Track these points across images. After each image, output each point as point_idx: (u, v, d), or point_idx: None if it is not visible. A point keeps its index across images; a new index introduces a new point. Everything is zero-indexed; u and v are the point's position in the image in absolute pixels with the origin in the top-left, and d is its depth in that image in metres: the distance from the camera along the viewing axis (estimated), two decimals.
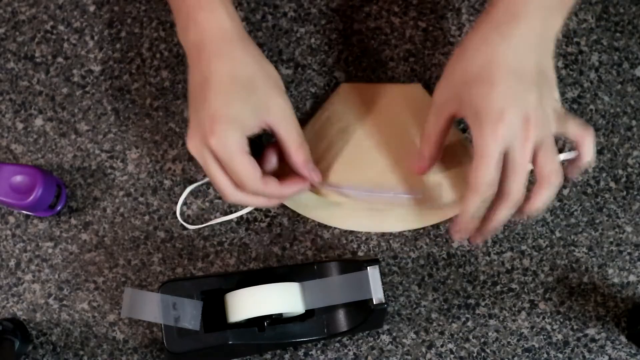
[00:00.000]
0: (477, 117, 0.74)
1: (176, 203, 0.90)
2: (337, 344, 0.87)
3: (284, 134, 0.80)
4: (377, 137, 0.87)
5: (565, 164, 0.80)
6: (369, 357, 0.87)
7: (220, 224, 0.90)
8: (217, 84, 0.78)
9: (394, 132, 0.88)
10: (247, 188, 0.79)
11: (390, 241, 0.90)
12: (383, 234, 0.89)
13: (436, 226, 0.90)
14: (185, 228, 0.90)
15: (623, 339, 0.87)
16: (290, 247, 0.90)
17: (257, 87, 0.79)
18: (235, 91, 0.78)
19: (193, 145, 0.79)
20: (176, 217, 0.90)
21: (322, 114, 0.91)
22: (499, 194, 0.76)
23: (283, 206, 0.90)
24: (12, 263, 0.90)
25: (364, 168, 0.86)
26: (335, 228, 0.90)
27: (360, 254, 0.89)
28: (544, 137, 0.75)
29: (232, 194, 0.80)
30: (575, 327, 0.87)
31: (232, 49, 0.79)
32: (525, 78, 0.75)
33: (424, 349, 0.87)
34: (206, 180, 0.90)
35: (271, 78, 0.80)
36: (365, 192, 0.85)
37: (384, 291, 0.81)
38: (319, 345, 0.87)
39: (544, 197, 0.77)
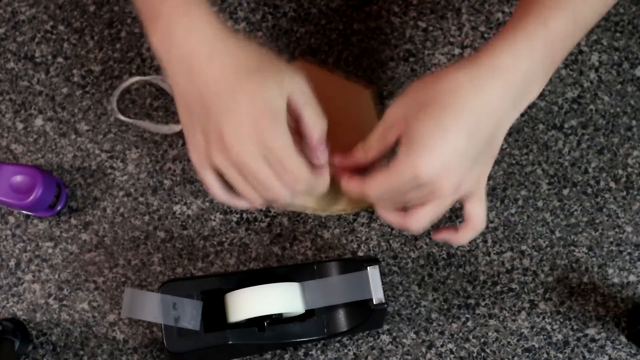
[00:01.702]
0: (411, 143, 0.70)
1: (176, 203, 0.90)
2: (337, 344, 0.87)
3: (305, 109, 0.74)
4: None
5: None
6: (369, 357, 0.87)
7: (221, 224, 0.90)
8: (226, 88, 0.71)
9: (331, 124, 0.83)
10: (302, 183, 0.74)
11: (390, 241, 0.90)
12: (383, 234, 0.89)
13: (436, 226, 0.90)
14: (185, 228, 0.90)
15: (623, 339, 0.87)
16: (290, 247, 0.90)
17: (266, 71, 0.73)
18: (253, 84, 0.71)
19: (244, 150, 0.71)
20: (176, 217, 0.90)
21: None
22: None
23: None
24: (12, 263, 0.90)
25: None
26: (335, 228, 0.90)
27: (360, 254, 0.89)
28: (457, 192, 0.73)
29: (284, 195, 0.74)
30: (575, 327, 0.87)
31: (227, 46, 0.73)
32: (474, 145, 0.71)
33: (424, 349, 0.87)
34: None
35: (272, 57, 0.75)
36: None
37: (384, 291, 0.81)
38: (319, 345, 0.87)
39: (461, 237, 0.77)
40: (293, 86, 0.73)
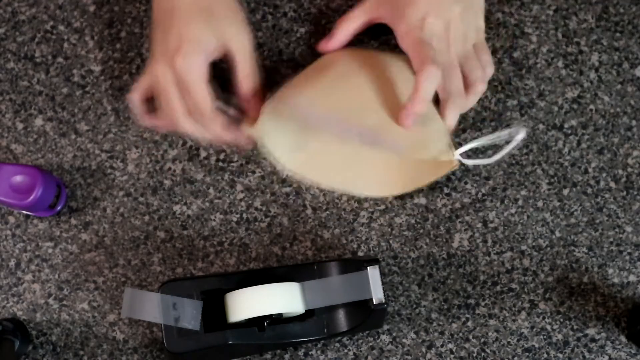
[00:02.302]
0: (401, 20, 0.85)
1: (176, 203, 0.90)
2: (337, 344, 0.87)
3: (239, 59, 0.84)
4: (368, 89, 0.87)
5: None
6: (369, 357, 0.87)
7: (221, 224, 0.90)
8: (183, 11, 0.82)
9: (384, 93, 0.87)
10: (199, 114, 0.83)
11: (390, 241, 0.90)
12: (383, 234, 0.89)
13: (436, 226, 0.90)
14: (185, 228, 0.90)
15: (623, 339, 0.87)
16: (290, 247, 0.90)
17: (216, 13, 0.83)
18: (198, 16, 0.82)
19: (158, 68, 0.83)
20: (176, 217, 0.90)
21: (324, 59, 0.91)
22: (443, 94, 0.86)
23: (283, 206, 0.90)
24: (12, 263, 0.90)
25: (344, 100, 0.86)
26: (335, 228, 0.90)
27: (360, 254, 0.89)
28: (465, 49, 0.86)
29: (183, 121, 0.84)
30: (575, 327, 0.87)
31: None
32: None
33: (424, 349, 0.87)
34: None
35: (230, 8, 0.85)
36: (334, 121, 0.85)
37: (384, 291, 0.81)
38: (319, 345, 0.87)
39: (470, 102, 0.88)
40: (234, 39, 0.84)
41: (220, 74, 0.89)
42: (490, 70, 0.88)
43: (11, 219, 0.91)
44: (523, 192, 0.90)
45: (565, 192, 0.90)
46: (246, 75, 0.85)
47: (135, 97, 0.87)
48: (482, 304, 0.88)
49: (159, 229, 0.90)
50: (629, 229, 0.89)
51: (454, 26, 0.85)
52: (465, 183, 0.91)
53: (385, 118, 0.85)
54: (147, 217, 0.90)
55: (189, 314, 0.80)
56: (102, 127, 0.93)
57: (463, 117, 0.91)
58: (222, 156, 0.91)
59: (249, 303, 0.80)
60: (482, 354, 0.87)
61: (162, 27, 0.84)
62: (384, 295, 0.81)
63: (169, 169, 0.91)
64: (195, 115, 0.84)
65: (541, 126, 0.92)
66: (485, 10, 0.89)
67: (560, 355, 0.87)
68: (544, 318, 0.88)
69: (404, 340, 0.87)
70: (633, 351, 0.87)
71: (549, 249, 0.89)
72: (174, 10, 0.83)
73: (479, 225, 0.90)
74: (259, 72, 0.87)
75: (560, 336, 0.87)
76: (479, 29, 0.88)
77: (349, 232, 0.90)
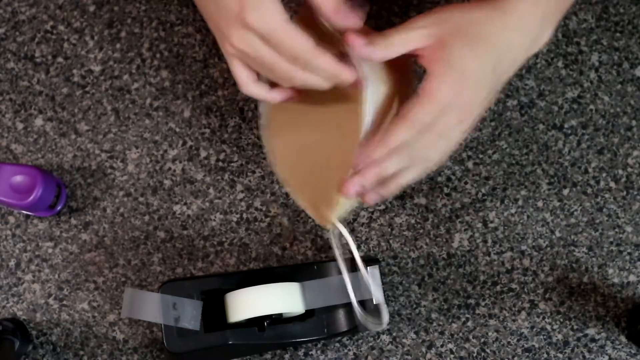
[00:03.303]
0: (449, 66, 0.71)
1: (176, 203, 0.90)
2: (337, 344, 0.87)
3: None
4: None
5: None
6: (369, 357, 0.87)
7: (221, 224, 0.90)
8: None
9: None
10: (302, 58, 0.71)
11: (390, 241, 0.90)
12: (383, 234, 0.89)
13: (436, 226, 0.90)
14: (185, 228, 0.90)
15: (623, 339, 0.87)
16: (290, 247, 0.90)
17: None
18: None
19: (235, 39, 0.71)
20: (176, 217, 0.90)
21: None
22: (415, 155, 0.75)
23: (283, 206, 0.90)
24: (12, 263, 0.90)
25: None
26: (335, 228, 0.89)
27: (360, 254, 0.89)
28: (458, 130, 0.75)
29: (293, 74, 0.72)
30: (575, 327, 0.87)
31: None
32: (494, 78, 0.74)
33: (424, 349, 0.87)
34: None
35: None
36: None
37: (384, 291, 0.81)
38: (319, 345, 0.87)
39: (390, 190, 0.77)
40: None
41: None
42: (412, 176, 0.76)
43: (11, 219, 0.91)
44: (523, 192, 0.90)
45: (565, 192, 0.90)
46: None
47: (235, 68, 0.75)
48: (482, 304, 0.88)
49: (159, 229, 0.90)
50: (629, 229, 0.89)
51: (465, 115, 0.74)
52: (465, 183, 0.91)
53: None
54: (147, 217, 0.90)
55: (189, 314, 0.80)
56: (102, 127, 0.93)
57: None
58: (222, 156, 0.91)
59: (249, 303, 0.80)
60: (482, 354, 0.87)
61: (214, 7, 0.72)
62: (384, 295, 0.81)
63: (169, 169, 0.91)
64: (299, 61, 0.71)
65: (541, 126, 0.92)
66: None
67: (560, 355, 0.87)
68: (544, 318, 0.88)
69: (404, 340, 0.87)
70: (633, 351, 0.87)
71: (549, 249, 0.89)
72: None
73: (479, 225, 0.90)
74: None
75: (560, 336, 0.87)
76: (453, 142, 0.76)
77: (348, 232, 0.90)
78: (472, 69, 0.72)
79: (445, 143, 0.75)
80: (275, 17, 0.70)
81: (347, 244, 0.89)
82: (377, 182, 0.74)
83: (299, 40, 0.70)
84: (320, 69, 0.72)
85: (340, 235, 0.83)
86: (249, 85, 0.75)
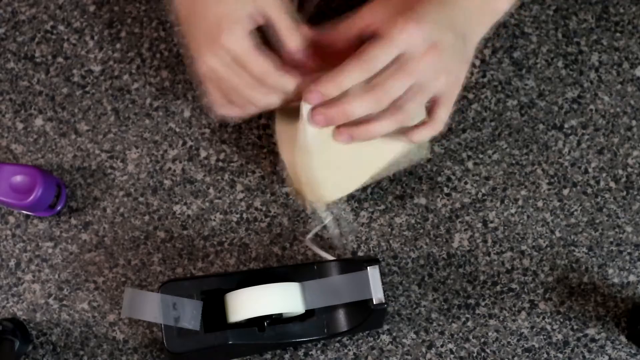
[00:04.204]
0: (394, 17, 0.75)
1: (176, 203, 0.91)
2: (337, 344, 0.87)
3: (275, 18, 0.79)
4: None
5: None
6: (369, 357, 0.87)
7: (221, 224, 0.90)
8: None
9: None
10: (270, 80, 0.79)
11: (390, 241, 0.90)
12: (383, 234, 0.89)
13: (436, 226, 0.90)
14: (185, 228, 0.90)
15: (623, 339, 0.87)
16: (290, 247, 0.90)
17: None
18: None
19: (209, 57, 0.79)
20: (176, 217, 0.90)
21: None
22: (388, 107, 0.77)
23: (283, 206, 0.90)
24: (12, 263, 0.90)
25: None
26: (335, 228, 0.89)
27: (360, 254, 0.89)
28: (431, 79, 0.76)
29: (255, 95, 0.80)
30: (575, 327, 0.87)
31: None
32: (449, 39, 0.75)
33: (424, 349, 0.87)
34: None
35: None
36: None
37: (384, 291, 0.81)
38: (319, 345, 0.87)
39: (424, 133, 0.80)
40: (265, 2, 0.78)
41: None
42: (430, 131, 0.80)
43: (11, 219, 0.91)
44: (523, 192, 0.90)
45: (565, 192, 0.90)
46: (286, 31, 0.79)
47: (223, 107, 0.83)
48: (482, 304, 0.88)
49: (159, 229, 0.90)
50: (629, 229, 0.89)
51: (439, 50, 0.75)
52: (465, 183, 0.91)
53: None
54: (147, 217, 0.90)
55: (189, 314, 0.80)
56: (102, 127, 0.93)
57: (463, 117, 0.91)
58: (222, 156, 0.91)
59: (249, 303, 0.80)
60: (482, 354, 0.87)
61: (192, 15, 0.80)
62: (384, 295, 0.81)
63: (169, 169, 0.91)
64: (263, 83, 0.80)
65: (541, 126, 0.92)
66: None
67: (560, 355, 0.87)
68: (544, 318, 0.88)
69: (404, 340, 0.87)
70: (633, 351, 0.87)
71: (549, 249, 0.89)
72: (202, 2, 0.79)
73: (479, 225, 0.90)
74: (302, 29, 0.80)
75: (560, 336, 0.87)
76: (454, 81, 0.78)
77: (348, 232, 0.90)
78: (427, 11, 0.74)
79: (420, 93, 0.76)
80: (245, 41, 0.78)
81: (348, 243, 0.89)
82: (344, 120, 0.77)
83: (263, 62, 0.78)
84: (283, 87, 0.79)
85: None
86: (222, 107, 0.83)
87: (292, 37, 0.80)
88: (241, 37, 0.78)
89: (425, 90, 0.76)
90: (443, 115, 0.79)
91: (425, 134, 0.80)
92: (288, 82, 0.79)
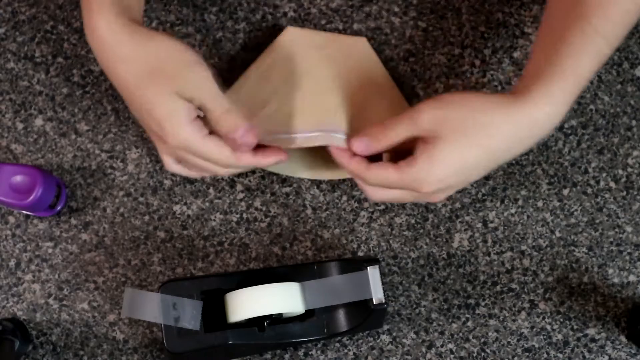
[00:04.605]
0: (432, 160, 0.75)
1: (176, 203, 0.91)
2: (337, 344, 0.87)
3: (204, 104, 0.77)
4: (322, 84, 0.86)
5: None
6: (369, 357, 0.87)
7: (221, 224, 0.90)
8: (134, 91, 0.77)
9: (337, 81, 0.87)
10: (224, 166, 0.81)
11: (390, 241, 0.90)
12: (383, 234, 0.89)
13: (436, 226, 0.90)
14: (185, 228, 0.90)
15: (623, 339, 0.87)
16: (290, 247, 0.90)
17: (163, 74, 0.76)
18: (156, 85, 0.76)
19: (162, 149, 0.82)
20: (176, 217, 0.90)
21: (266, 57, 0.90)
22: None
23: (283, 206, 0.90)
24: (12, 263, 0.90)
25: (308, 113, 0.85)
26: (335, 228, 0.90)
27: (360, 254, 0.89)
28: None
29: (215, 171, 0.82)
30: (575, 327, 0.87)
31: (124, 48, 0.77)
32: (482, 174, 0.78)
33: (424, 349, 0.87)
34: None
35: (173, 57, 0.77)
36: (310, 134, 0.84)
37: (384, 291, 0.81)
38: (319, 345, 0.87)
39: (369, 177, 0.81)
40: (189, 89, 0.76)
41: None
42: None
43: (11, 219, 0.91)
44: (523, 192, 0.90)
45: (565, 192, 0.90)
46: (218, 117, 0.78)
47: (173, 168, 0.85)
48: (482, 304, 0.88)
49: (159, 229, 0.90)
50: (629, 229, 0.89)
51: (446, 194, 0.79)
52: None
53: (349, 117, 0.85)
54: (147, 217, 0.90)
55: (189, 314, 0.80)
56: (102, 127, 0.93)
57: None
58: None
59: (249, 303, 0.80)
60: (482, 354, 0.87)
61: (130, 105, 0.80)
62: (384, 295, 0.81)
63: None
64: (223, 165, 0.81)
65: None
66: (485, 16, 0.89)
67: (560, 355, 0.87)
68: (544, 318, 0.88)
69: (404, 340, 0.87)
70: (633, 351, 0.87)
71: (549, 249, 0.89)
72: (127, 86, 0.77)
73: (479, 225, 0.90)
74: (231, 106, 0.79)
75: (560, 336, 0.87)
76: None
77: (349, 232, 0.90)
78: (456, 172, 0.76)
79: (421, 199, 0.80)
80: (194, 137, 0.77)
81: (348, 243, 0.89)
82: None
83: (218, 151, 0.78)
84: (239, 165, 0.81)
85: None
86: (171, 165, 0.84)
87: (224, 122, 0.78)
88: (187, 133, 0.77)
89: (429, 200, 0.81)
90: (440, 198, 0.81)
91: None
92: (244, 161, 0.80)
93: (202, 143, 0.78)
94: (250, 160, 0.80)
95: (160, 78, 0.76)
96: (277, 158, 0.82)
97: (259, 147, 0.81)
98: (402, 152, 0.78)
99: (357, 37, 0.93)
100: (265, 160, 0.81)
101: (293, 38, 0.91)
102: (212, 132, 0.79)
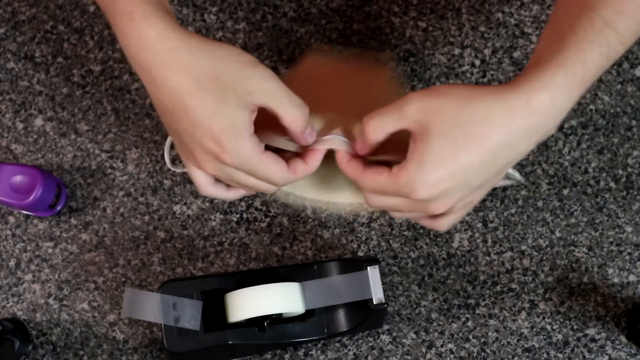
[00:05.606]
0: (422, 159, 0.68)
1: (176, 203, 0.90)
2: (337, 344, 0.87)
3: (277, 106, 0.70)
4: (339, 107, 0.81)
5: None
6: (369, 357, 0.87)
7: (221, 224, 0.90)
8: (193, 105, 0.69)
9: (354, 106, 0.81)
10: (278, 182, 0.74)
11: (390, 241, 0.90)
12: (383, 234, 0.89)
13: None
14: (185, 228, 0.90)
15: (623, 339, 0.87)
16: (290, 247, 0.90)
17: (226, 79, 0.70)
18: (213, 98, 0.69)
19: (210, 168, 0.72)
20: (176, 217, 0.90)
21: (290, 74, 0.89)
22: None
23: (283, 206, 0.90)
24: (12, 263, 0.90)
25: (322, 121, 0.80)
26: (335, 228, 0.90)
27: (360, 254, 0.89)
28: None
29: (267, 190, 0.75)
30: (575, 327, 0.87)
31: (179, 55, 0.69)
32: (484, 177, 0.69)
33: (424, 349, 0.87)
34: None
35: (233, 61, 0.70)
36: (325, 137, 0.78)
37: (384, 291, 0.81)
38: (319, 345, 0.87)
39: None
40: (259, 93, 0.70)
41: None
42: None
43: (11, 219, 0.91)
44: (523, 192, 0.90)
45: (565, 192, 0.90)
46: (294, 120, 0.71)
47: (195, 174, 0.75)
48: (482, 304, 0.88)
49: (159, 229, 0.90)
50: (629, 229, 0.89)
51: (453, 208, 0.71)
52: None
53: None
54: (147, 217, 0.90)
55: (189, 314, 0.80)
56: (102, 127, 0.93)
57: None
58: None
59: (249, 303, 0.80)
60: (482, 354, 0.87)
61: (177, 123, 0.71)
62: (384, 295, 0.81)
63: (169, 169, 0.91)
64: (276, 185, 0.74)
65: None
66: (485, 16, 0.88)
67: (560, 355, 0.87)
68: (544, 318, 0.88)
69: (404, 340, 0.87)
70: (633, 351, 0.87)
71: (549, 249, 0.89)
72: (183, 104, 0.69)
73: (479, 225, 0.90)
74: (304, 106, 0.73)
75: (560, 336, 0.87)
76: (471, 205, 0.74)
77: (349, 232, 0.90)
78: (451, 172, 0.67)
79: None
80: (254, 153, 0.70)
81: (348, 243, 0.89)
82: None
83: (276, 168, 0.72)
84: (291, 182, 0.74)
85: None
86: (208, 188, 0.76)
87: (298, 120, 0.72)
88: (249, 149, 0.70)
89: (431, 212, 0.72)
90: (449, 223, 0.74)
91: (427, 223, 0.74)
92: (300, 172, 0.74)
93: (261, 160, 0.71)
94: (303, 169, 0.74)
95: (223, 84, 0.69)
96: (320, 154, 0.75)
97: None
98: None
99: (380, 67, 0.90)
100: (314, 161, 0.75)
101: (312, 63, 0.87)
102: (266, 147, 0.73)
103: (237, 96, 0.69)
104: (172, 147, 0.85)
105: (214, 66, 0.69)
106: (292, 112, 0.71)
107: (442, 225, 0.73)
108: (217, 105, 0.69)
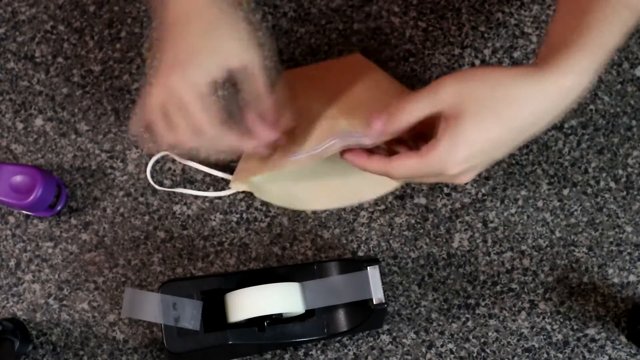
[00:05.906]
0: (455, 138, 0.71)
1: (176, 203, 0.91)
2: (337, 344, 0.87)
3: (241, 79, 0.77)
4: (327, 106, 0.84)
5: None
6: (369, 357, 0.87)
7: (221, 224, 0.90)
8: (193, 26, 0.75)
9: (342, 98, 0.84)
10: (208, 134, 0.77)
11: (390, 241, 0.90)
12: (383, 234, 0.89)
13: (436, 226, 0.90)
14: (185, 228, 0.90)
15: (623, 339, 0.87)
16: (290, 247, 0.90)
17: (222, 32, 0.75)
18: (204, 33, 0.75)
19: (172, 82, 0.76)
20: (176, 217, 0.90)
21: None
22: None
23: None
24: (12, 263, 0.90)
25: (319, 131, 0.82)
26: (335, 228, 0.90)
27: (360, 254, 0.89)
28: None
29: (189, 139, 0.78)
30: (575, 327, 0.87)
31: (206, 13, 0.76)
32: (508, 150, 0.73)
33: (424, 349, 0.87)
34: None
35: (236, 28, 0.76)
36: (327, 144, 0.81)
37: (384, 291, 0.81)
38: (319, 345, 0.87)
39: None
40: (236, 56, 0.75)
41: None
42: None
43: (11, 219, 0.91)
44: (523, 192, 0.90)
45: (565, 192, 0.90)
46: (255, 96, 0.77)
47: (153, 115, 0.78)
48: (482, 304, 0.88)
49: (159, 229, 0.90)
50: (629, 229, 0.89)
51: (463, 177, 0.74)
52: (465, 183, 0.90)
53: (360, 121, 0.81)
54: (147, 217, 0.90)
55: (189, 314, 0.80)
56: (102, 127, 0.93)
57: None
58: (221, 156, 0.91)
59: (249, 303, 0.80)
60: (482, 354, 0.87)
61: (172, 36, 0.76)
62: (384, 295, 0.81)
63: (169, 169, 0.91)
64: (200, 134, 0.77)
65: None
66: (485, 16, 0.88)
67: (560, 355, 0.87)
68: (544, 318, 0.88)
69: (404, 340, 0.87)
70: (633, 351, 0.87)
71: (549, 249, 0.89)
72: (188, 20, 0.75)
73: (479, 225, 0.90)
74: (272, 95, 0.79)
75: (560, 336, 0.87)
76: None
77: (349, 232, 0.90)
78: (481, 149, 0.71)
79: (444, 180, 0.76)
80: (200, 87, 0.74)
81: (348, 243, 0.90)
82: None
83: (204, 115, 0.75)
84: (221, 142, 0.78)
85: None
86: (153, 111, 0.78)
87: (271, 100, 0.78)
88: (200, 80, 0.74)
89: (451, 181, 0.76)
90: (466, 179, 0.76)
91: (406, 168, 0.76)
92: (227, 140, 0.78)
93: (200, 101, 0.75)
94: (232, 141, 0.78)
95: (217, 33, 0.75)
96: (263, 137, 0.79)
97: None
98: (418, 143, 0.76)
99: (349, 55, 0.92)
100: (250, 143, 0.79)
101: (288, 80, 0.89)
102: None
103: (248, 35, 0.76)
104: (154, 165, 0.85)
105: (220, 26, 0.75)
106: (253, 87, 0.77)
107: (464, 180, 0.75)
108: (203, 39, 0.75)
